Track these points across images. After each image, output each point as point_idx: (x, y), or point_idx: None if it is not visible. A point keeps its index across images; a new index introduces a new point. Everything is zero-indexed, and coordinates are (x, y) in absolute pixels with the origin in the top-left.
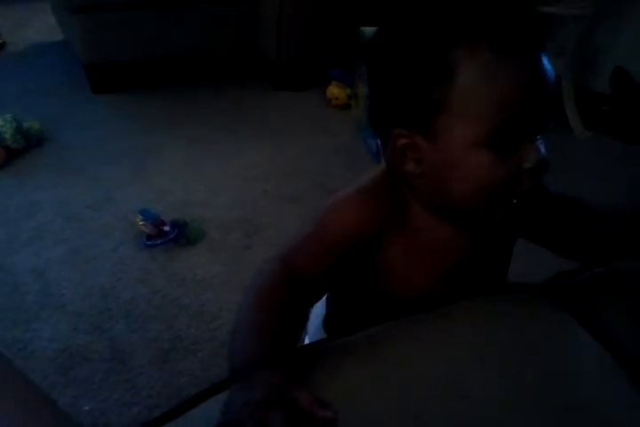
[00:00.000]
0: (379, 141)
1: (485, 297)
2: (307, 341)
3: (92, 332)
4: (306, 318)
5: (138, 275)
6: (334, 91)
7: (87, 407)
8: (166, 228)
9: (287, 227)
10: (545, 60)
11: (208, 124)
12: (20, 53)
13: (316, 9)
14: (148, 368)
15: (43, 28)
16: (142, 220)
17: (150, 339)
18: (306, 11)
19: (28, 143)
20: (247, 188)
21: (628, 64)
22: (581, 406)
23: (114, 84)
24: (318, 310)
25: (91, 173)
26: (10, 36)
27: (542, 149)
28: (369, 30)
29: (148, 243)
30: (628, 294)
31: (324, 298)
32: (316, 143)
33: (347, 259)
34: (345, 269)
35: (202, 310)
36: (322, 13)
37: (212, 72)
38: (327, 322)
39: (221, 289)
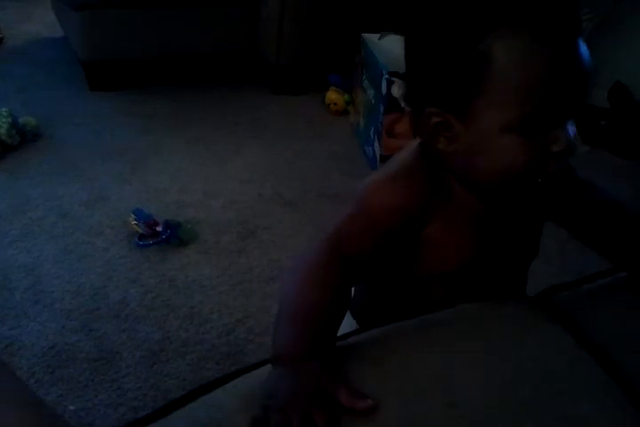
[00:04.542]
0: (375, 147)
1: (480, 307)
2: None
3: (81, 331)
4: (349, 301)
5: (129, 275)
6: (332, 96)
7: (73, 407)
8: (159, 228)
9: (281, 231)
10: (581, 46)
11: (206, 126)
12: (18, 48)
13: (317, 14)
14: (136, 369)
15: (42, 23)
16: (135, 219)
17: (139, 340)
18: (307, 15)
19: (24, 139)
20: (243, 190)
21: (627, 79)
22: (571, 421)
23: (111, 82)
24: None
25: (86, 171)
26: (8, 31)
27: (571, 133)
28: (370, 36)
29: (141, 243)
30: (620, 308)
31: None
32: (312, 148)
33: (392, 237)
34: (390, 248)
35: (192, 313)
36: (323, 18)
37: (212, 74)
38: (359, 309)
39: (213, 292)
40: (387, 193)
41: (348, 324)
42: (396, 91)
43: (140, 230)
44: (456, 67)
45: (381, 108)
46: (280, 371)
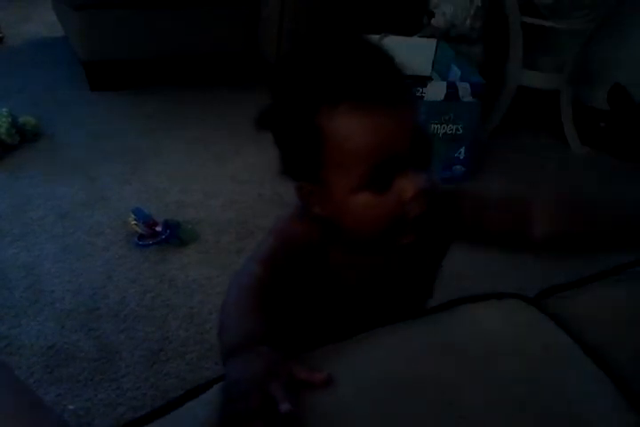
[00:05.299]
0: None
1: (476, 303)
2: None
3: (80, 330)
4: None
5: (129, 275)
6: None
7: (72, 406)
8: (158, 228)
9: None
10: (407, 107)
11: (206, 126)
12: (19, 48)
13: (317, 14)
14: (135, 369)
15: (43, 23)
16: (135, 219)
17: (139, 340)
18: (307, 16)
19: (23, 138)
20: (242, 190)
21: (626, 81)
22: (568, 421)
23: (112, 82)
24: None
25: (86, 171)
26: (9, 31)
27: (419, 180)
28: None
29: (140, 243)
30: (618, 308)
31: None
32: None
33: (300, 263)
34: (302, 275)
35: (192, 313)
36: (322, 18)
37: (211, 74)
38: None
39: (212, 292)
40: (295, 225)
41: None
42: None
43: (140, 230)
44: (298, 143)
45: None
46: (235, 360)
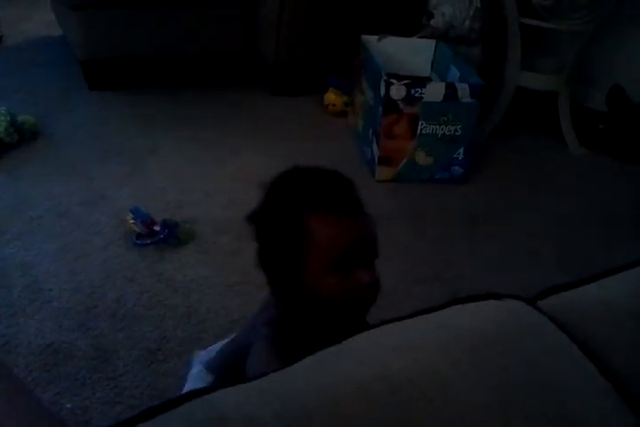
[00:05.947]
0: (373, 149)
1: (474, 303)
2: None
3: (78, 329)
4: None
5: (126, 274)
6: (331, 97)
7: (69, 405)
8: (157, 227)
9: None
10: (363, 217)
11: (204, 126)
12: (17, 47)
13: (316, 14)
14: (133, 368)
15: (42, 22)
16: (133, 218)
17: (136, 339)
18: (305, 15)
19: (22, 137)
20: (240, 191)
21: (625, 83)
22: (566, 422)
23: (110, 82)
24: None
25: (84, 170)
26: (8, 30)
27: (371, 274)
28: (369, 38)
29: (138, 242)
30: (617, 309)
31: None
32: (311, 149)
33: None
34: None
35: (189, 312)
36: (321, 19)
37: (210, 74)
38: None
39: (210, 291)
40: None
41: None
42: (395, 92)
43: (138, 230)
44: (286, 236)
45: (380, 110)
46: None
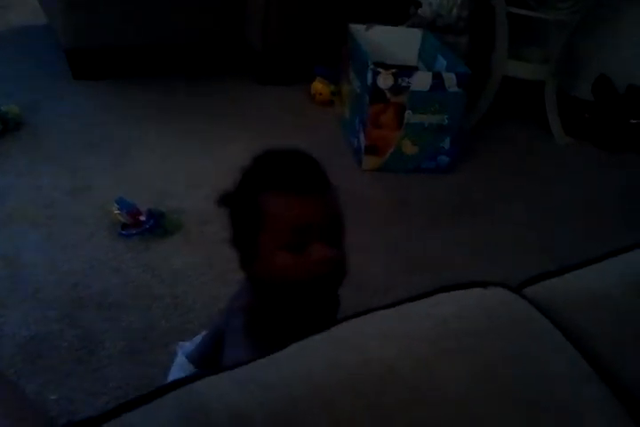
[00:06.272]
0: (360, 138)
1: (460, 291)
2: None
3: (63, 320)
4: None
5: (112, 264)
6: (318, 87)
7: (54, 396)
8: (142, 218)
9: None
10: (317, 194)
11: (191, 116)
12: (1, 36)
13: (304, 2)
14: (118, 359)
15: (26, 11)
16: (118, 209)
17: (121, 329)
18: (293, 3)
19: (6, 127)
20: (227, 180)
21: (611, 72)
22: (557, 413)
23: (95, 71)
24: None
25: (69, 160)
26: None
27: (326, 250)
28: (357, 27)
29: (124, 232)
30: (602, 296)
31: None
32: (298, 138)
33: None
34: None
35: (175, 302)
36: (309, 7)
37: (197, 63)
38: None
39: (196, 281)
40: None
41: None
42: (382, 82)
43: (123, 220)
44: (245, 215)
45: (367, 99)
46: None
